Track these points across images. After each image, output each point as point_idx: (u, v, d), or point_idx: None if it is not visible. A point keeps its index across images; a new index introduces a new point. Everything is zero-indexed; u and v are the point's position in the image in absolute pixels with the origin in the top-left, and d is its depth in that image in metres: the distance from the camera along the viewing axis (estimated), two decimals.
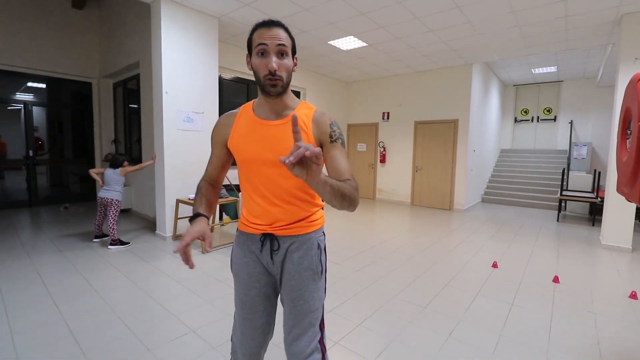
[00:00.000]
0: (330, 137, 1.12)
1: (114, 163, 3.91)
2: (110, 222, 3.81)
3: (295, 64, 1.11)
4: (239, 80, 6.08)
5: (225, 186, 4.66)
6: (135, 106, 5.84)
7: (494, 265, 3.63)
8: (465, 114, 6.76)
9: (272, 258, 1.16)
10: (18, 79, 5.95)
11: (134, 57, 5.31)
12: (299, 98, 5.83)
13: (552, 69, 7.72)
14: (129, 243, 3.97)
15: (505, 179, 8.66)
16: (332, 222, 5.61)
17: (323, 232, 1.23)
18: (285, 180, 1.12)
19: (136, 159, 5.63)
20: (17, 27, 5.63)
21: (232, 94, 6.00)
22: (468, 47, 5.67)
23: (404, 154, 7.75)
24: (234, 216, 5.21)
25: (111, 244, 3.82)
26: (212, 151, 1.25)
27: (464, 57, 6.19)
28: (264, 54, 1.03)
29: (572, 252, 4.20)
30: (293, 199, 1.14)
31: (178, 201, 4.16)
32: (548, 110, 9.29)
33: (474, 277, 3.31)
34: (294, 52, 1.10)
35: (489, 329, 2.35)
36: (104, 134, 6.80)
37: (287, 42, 1.05)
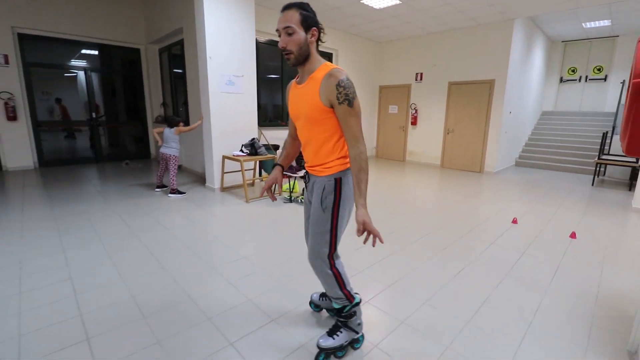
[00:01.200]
0: (337, 99, 1.33)
1: (170, 123, 4.48)
2: (171, 175, 4.47)
3: (312, 35, 1.37)
4: (272, 43, 6.28)
5: (264, 145, 5.09)
6: (179, 70, 6.30)
7: (514, 222, 3.84)
8: (503, 74, 6.55)
9: (307, 188, 1.67)
10: (73, 47, 6.55)
11: (177, 23, 5.66)
12: (332, 60, 5.99)
13: (606, 22, 7.09)
14: (185, 193, 4.61)
15: (544, 142, 8.38)
16: None
17: (336, 179, 1.47)
18: (304, 131, 1.51)
19: (184, 121, 6.20)
20: None
21: (267, 57, 6.25)
22: (509, 1, 5.40)
23: (436, 115, 7.72)
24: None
25: (171, 193, 4.48)
26: (291, 130, 1.75)
27: (505, 11, 5.90)
28: (280, 36, 1.37)
29: (598, 214, 4.26)
30: (314, 147, 1.51)
31: (224, 157, 4.68)
32: (598, 69, 8.62)
33: (491, 230, 3.56)
34: (308, 26, 1.35)
35: (497, 269, 2.66)
36: (154, 97, 7.42)
37: (293, 21, 1.32)
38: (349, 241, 2.91)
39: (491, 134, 6.89)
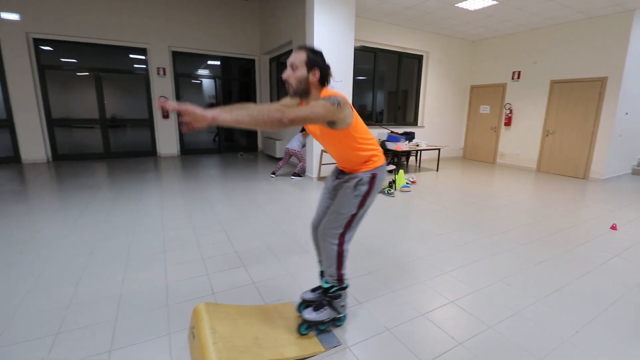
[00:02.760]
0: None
1: (302, 128, 5.59)
2: (302, 163, 5.75)
3: (314, 75, 1.55)
4: (364, 49, 6.87)
5: None
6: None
7: (613, 227, 3.68)
8: (618, 71, 5.94)
9: (337, 177, 1.84)
10: (204, 59, 8.18)
11: (287, 36, 6.68)
12: (422, 62, 6.37)
13: None
14: (301, 176, 5.82)
15: None
16: (446, 181, 6.18)
17: (372, 174, 1.66)
18: (328, 147, 1.73)
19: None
20: (200, 20, 7.68)
21: (358, 61, 6.84)
22: None
23: (533, 116, 7.33)
24: None
25: (293, 175, 5.80)
26: (284, 100, 1.78)
27: (621, 3, 5.38)
28: (286, 68, 1.60)
29: None
30: (343, 156, 1.71)
31: (322, 151, 5.49)
32: None
33: (584, 233, 3.53)
34: (311, 66, 1.54)
35: (581, 265, 2.75)
36: (263, 100, 8.76)
37: (298, 61, 1.54)
38: (434, 227, 3.33)
39: (600, 137, 6.30)
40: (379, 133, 7.01)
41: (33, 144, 6.66)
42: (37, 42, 6.48)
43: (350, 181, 1.68)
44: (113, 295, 2.13)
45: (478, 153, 8.63)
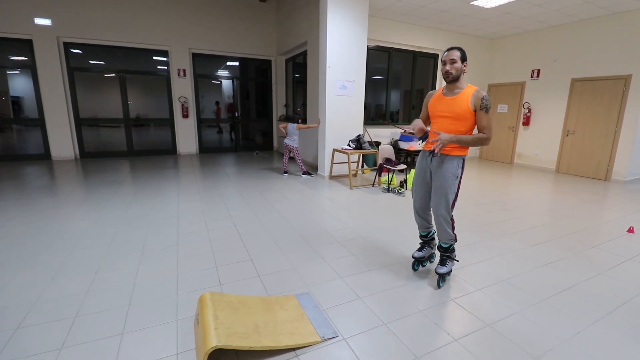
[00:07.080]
0: (480, 106, 2.13)
1: (292, 120, 5.64)
2: (298, 161, 5.78)
3: (465, 66, 2.18)
4: (379, 49, 6.87)
5: (368, 141, 5.77)
6: (298, 76, 7.46)
7: (630, 230, 3.58)
8: None
9: (431, 162, 2.35)
10: (223, 60, 8.40)
11: (302, 37, 6.78)
12: (437, 61, 6.48)
13: None
14: (312, 174, 5.82)
15: None
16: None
17: (463, 158, 2.25)
18: (447, 125, 2.23)
19: (302, 119, 7.36)
20: (219, 22, 7.89)
21: (373, 60, 6.88)
22: None
23: (553, 115, 7.11)
24: (372, 165, 6.36)
25: (303, 174, 5.82)
26: (422, 109, 2.48)
27: None
28: (445, 64, 2.19)
29: None
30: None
31: (334, 150, 5.55)
32: None
33: (598, 235, 3.45)
34: (463, 60, 2.17)
35: (592, 268, 2.71)
36: (279, 99, 8.91)
37: (456, 56, 2.16)
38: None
39: (624, 137, 6.05)
40: (392, 132, 7.00)
41: (62, 142, 7.07)
42: (67, 45, 6.87)
43: (445, 167, 2.23)
44: (128, 284, 2.28)
45: (495, 153, 8.45)
